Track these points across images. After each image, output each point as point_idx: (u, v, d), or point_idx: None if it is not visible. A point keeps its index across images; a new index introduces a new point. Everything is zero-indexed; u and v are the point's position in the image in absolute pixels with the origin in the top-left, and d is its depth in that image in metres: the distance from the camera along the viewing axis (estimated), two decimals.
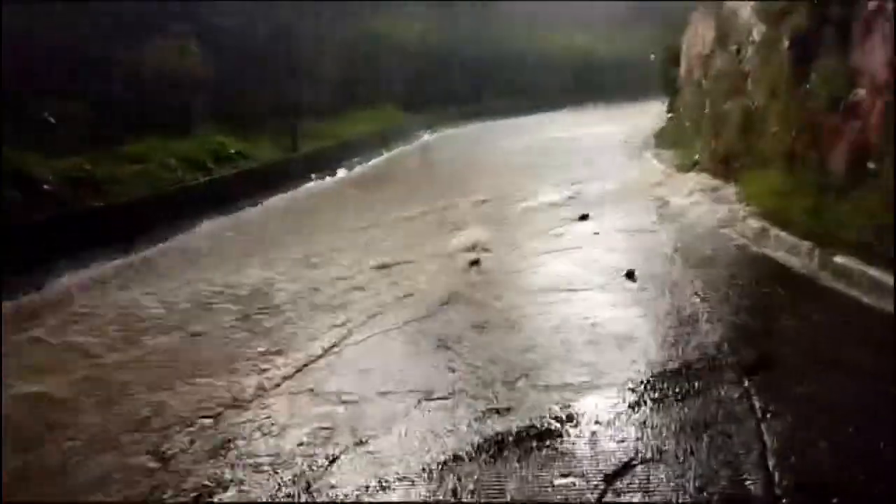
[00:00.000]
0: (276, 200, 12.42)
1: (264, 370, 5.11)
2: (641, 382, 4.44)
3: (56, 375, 5.09)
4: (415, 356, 5.29)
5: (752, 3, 10.83)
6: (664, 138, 16.60)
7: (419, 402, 4.44)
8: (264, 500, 3.54)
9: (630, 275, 6.71)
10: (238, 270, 7.88)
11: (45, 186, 8.69)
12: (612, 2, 32.73)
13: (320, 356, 5.32)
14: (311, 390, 4.75)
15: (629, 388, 4.38)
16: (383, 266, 7.71)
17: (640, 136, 18.05)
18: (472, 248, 8.23)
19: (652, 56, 19.88)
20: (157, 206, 10.09)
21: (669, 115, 18.04)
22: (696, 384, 4.35)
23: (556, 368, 4.78)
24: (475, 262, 7.64)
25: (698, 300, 5.90)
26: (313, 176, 14.50)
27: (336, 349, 5.45)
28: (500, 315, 5.97)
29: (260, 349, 5.53)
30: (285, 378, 4.96)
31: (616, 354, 4.91)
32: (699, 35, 14.98)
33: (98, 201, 9.33)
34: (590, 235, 8.63)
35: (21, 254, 7.49)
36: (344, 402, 4.51)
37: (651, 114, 20.09)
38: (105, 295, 7.24)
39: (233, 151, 13.29)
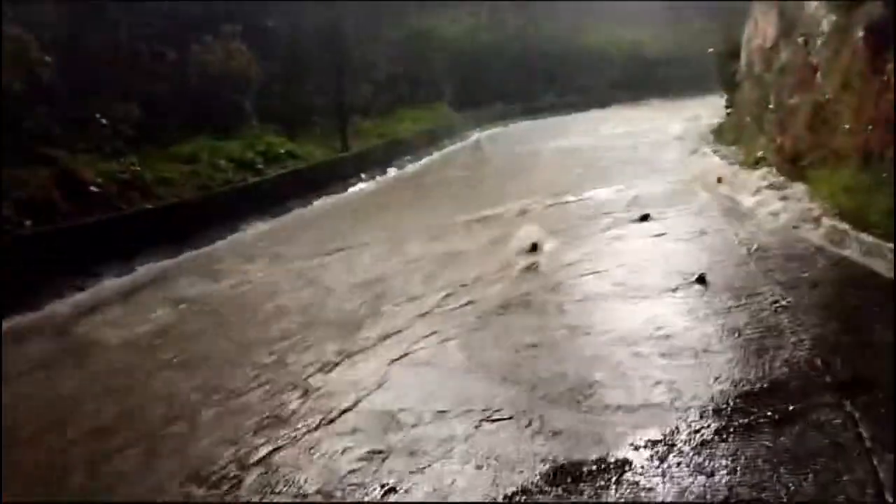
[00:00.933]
0: (324, 202, 12.15)
1: None
2: (727, 404, 4.01)
3: None
4: (468, 374, 4.89)
5: None
6: (723, 134, 16.05)
7: (480, 423, 4.10)
8: None
9: (701, 279, 6.27)
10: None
11: (93, 188, 8.51)
12: None
13: None
14: None
15: (714, 411, 3.95)
16: (432, 276, 7.34)
17: (697, 133, 17.53)
18: (530, 250, 7.87)
19: (710, 50, 19.20)
20: (206, 207, 9.88)
21: (728, 110, 17.43)
22: (790, 407, 3.89)
23: (629, 386, 4.38)
24: (532, 266, 7.27)
25: (780, 308, 5.44)
26: (363, 176, 14.25)
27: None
28: (563, 324, 5.60)
29: None
30: None
31: (695, 371, 4.48)
32: (760, 28, 14.41)
33: (147, 203, 9.14)
34: (653, 236, 8.20)
35: (69, 257, 7.32)
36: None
37: (706, 109, 19.52)
38: None
39: (282, 151, 13.09)
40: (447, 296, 6.56)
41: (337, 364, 5.24)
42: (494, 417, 4.10)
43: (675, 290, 6.13)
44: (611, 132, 19.53)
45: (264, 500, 3.59)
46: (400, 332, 5.75)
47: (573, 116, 24.45)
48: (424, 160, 16.91)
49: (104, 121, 10.70)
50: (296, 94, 15.48)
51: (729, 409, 3.96)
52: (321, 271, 7.95)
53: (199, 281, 7.79)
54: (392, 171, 15.28)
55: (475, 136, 21.11)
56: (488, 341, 5.37)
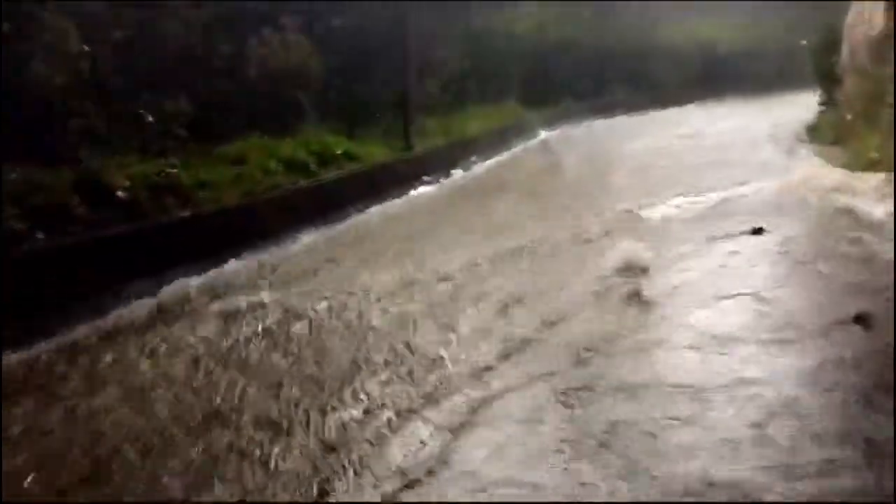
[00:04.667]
0: (381, 209, 10.92)
1: None
2: None
3: None
4: (554, 464, 3.60)
5: None
6: (820, 133, 14.53)
7: None
8: None
9: (862, 319, 4.87)
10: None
11: (120, 194, 7.45)
12: None
13: None
14: None
15: None
16: (515, 301, 6.07)
17: (788, 131, 16.00)
18: (626, 270, 6.57)
19: (803, 42, 17.69)
20: (249, 215, 8.77)
21: (823, 106, 15.92)
22: None
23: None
24: (635, 295, 5.94)
25: None
26: (426, 178, 13.07)
27: None
28: (680, 386, 4.20)
29: None
30: None
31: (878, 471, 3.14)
32: (865, 15, 12.96)
33: (182, 210, 8.06)
34: (773, 255, 6.84)
35: (77, 276, 6.25)
36: None
37: (793, 107, 17.96)
38: None
39: (339, 152, 11.94)
40: (523, 339, 5.24)
41: None
42: None
43: (826, 332, 4.76)
44: (692, 131, 18.05)
45: None
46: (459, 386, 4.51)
47: (649, 115, 22.97)
48: (492, 161, 15.66)
49: (150, 118, 9.78)
50: (357, 91, 14.41)
51: None
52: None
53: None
54: (457, 173, 14.06)
55: (545, 135, 19.80)
56: (584, 413, 4.04)
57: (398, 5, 15.18)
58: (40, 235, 6.43)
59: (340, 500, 3.48)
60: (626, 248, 7.19)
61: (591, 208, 9.68)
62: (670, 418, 3.85)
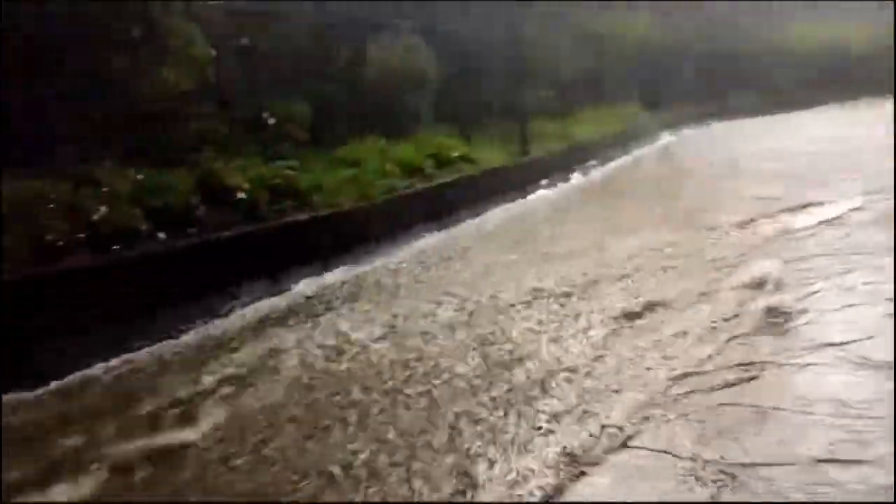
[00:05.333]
0: (498, 213, 10.70)
1: None
2: None
3: None
4: None
5: None
6: None
7: None
8: None
9: None
10: None
11: (241, 195, 7.47)
12: None
13: None
14: None
15: None
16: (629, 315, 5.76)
17: None
18: (761, 286, 6.12)
19: None
20: (366, 218, 8.71)
21: None
22: None
23: None
24: (771, 313, 5.47)
25: None
26: (543, 182, 12.80)
27: None
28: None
29: None
30: None
31: None
32: None
33: (299, 213, 8.03)
34: None
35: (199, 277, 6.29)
36: None
37: None
38: None
39: (455, 155, 11.80)
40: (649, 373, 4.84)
41: None
42: None
43: None
44: (822, 135, 17.13)
45: None
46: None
47: (773, 118, 22.02)
48: (610, 165, 15.24)
49: (271, 121, 9.86)
50: (471, 96, 14.26)
51: None
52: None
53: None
54: (575, 178, 13.72)
55: (663, 139, 19.18)
56: None
57: (513, 10, 14.98)
58: (162, 235, 6.51)
59: None
60: (761, 263, 6.75)
61: (720, 216, 9.20)
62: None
